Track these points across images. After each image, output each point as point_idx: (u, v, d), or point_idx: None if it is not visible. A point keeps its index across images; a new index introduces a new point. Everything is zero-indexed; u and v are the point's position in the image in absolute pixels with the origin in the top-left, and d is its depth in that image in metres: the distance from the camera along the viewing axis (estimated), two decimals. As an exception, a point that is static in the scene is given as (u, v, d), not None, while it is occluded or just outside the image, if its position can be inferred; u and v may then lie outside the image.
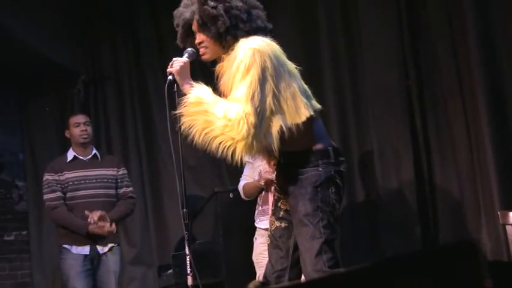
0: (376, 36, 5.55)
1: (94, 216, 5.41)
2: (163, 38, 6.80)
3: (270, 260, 3.60)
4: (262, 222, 4.82)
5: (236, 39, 3.40)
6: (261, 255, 4.78)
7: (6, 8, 6.07)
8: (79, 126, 5.71)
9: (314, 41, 5.87)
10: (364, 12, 5.62)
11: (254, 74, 3.23)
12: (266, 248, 4.56)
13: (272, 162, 3.68)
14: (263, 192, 4.86)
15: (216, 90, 3.45)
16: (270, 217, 3.69)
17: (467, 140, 5.13)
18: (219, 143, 3.25)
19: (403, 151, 5.40)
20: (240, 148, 3.24)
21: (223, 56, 3.47)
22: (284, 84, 3.31)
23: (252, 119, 3.19)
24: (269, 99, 3.25)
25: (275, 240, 3.57)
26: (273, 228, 3.61)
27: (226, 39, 3.42)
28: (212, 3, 3.43)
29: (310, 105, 3.40)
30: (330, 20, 5.82)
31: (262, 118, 3.24)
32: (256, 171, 4.94)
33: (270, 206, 4.65)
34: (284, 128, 3.27)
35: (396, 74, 5.47)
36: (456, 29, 5.20)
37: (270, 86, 3.26)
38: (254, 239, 4.95)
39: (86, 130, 5.70)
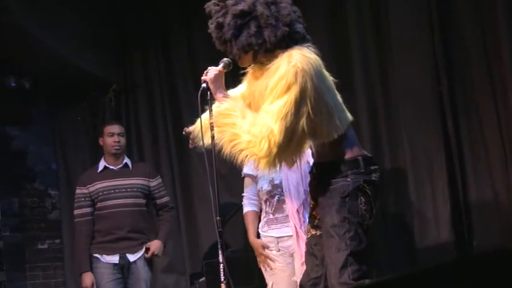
0: (407, 41, 5.50)
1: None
2: (194, 47, 6.83)
3: (306, 268, 3.62)
4: (274, 231, 4.80)
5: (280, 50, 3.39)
6: (272, 261, 4.80)
7: (37, 17, 6.15)
8: (113, 136, 5.77)
9: (344, 46, 5.84)
10: (394, 16, 5.58)
11: (292, 94, 3.22)
12: (277, 254, 4.76)
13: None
14: (275, 201, 4.82)
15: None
16: (307, 225, 3.69)
17: (500, 145, 5.06)
18: (245, 156, 3.31)
19: (436, 157, 5.34)
20: (263, 164, 3.32)
21: (262, 59, 3.46)
22: (321, 105, 3.32)
23: (275, 139, 3.22)
24: (302, 121, 3.25)
25: (311, 248, 3.59)
26: (308, 236, 3.64)
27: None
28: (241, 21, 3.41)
29: (342, 122, 3.40)
30: (360, 24, 5.79)
31: (291, 138, 3.25)
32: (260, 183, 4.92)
33: (290, 213, 4.63)
34: (312, 147, 3.33)
35: (428, 79, 5.40)
36: (489, 32, 5.14)
37: (306, 107, 3.25)
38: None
39: (119, 141, 5.76)
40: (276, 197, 4.79)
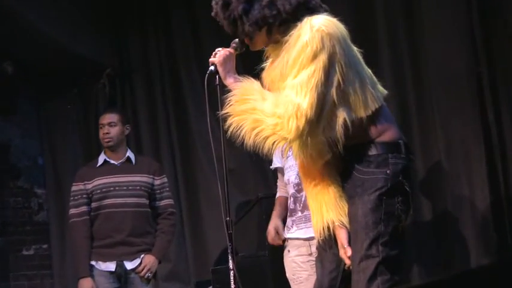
0: (440, 16, 5.46)
1: None
2: (198, 26, 6.82)
3: (318, 273, 3.54)
4: (303, 231, 4.70)
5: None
6: (298, 268, 4.73)
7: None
8: (102, 128, 5.75)
9: (370, 21, 5.83)
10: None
11: (320, 61, 3.15)
12: (303, 260, 4.72)
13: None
14: (303, 197, 4.73)
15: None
16: None
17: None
18: (273, 144, 3.23)
19: (474, 149, 5.30)
20: (295, 147, 3.25)
21: (277, 36, 3.39)
22: (353, 72, 3.25)
23: (306, 114, 3.13)
24: (333, 90, 3.19)
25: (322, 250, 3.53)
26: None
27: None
28: None
29: (377, 95, 3.33)
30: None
31: (321, 111, 3.17)
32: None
33: None
34: (348, 121, 3.22)
35: (464, 59, 5.35)
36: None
37: (337, 75, 3.19)
38: (286, 251, 4.84)
39: (108, 133, 5.75)
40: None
